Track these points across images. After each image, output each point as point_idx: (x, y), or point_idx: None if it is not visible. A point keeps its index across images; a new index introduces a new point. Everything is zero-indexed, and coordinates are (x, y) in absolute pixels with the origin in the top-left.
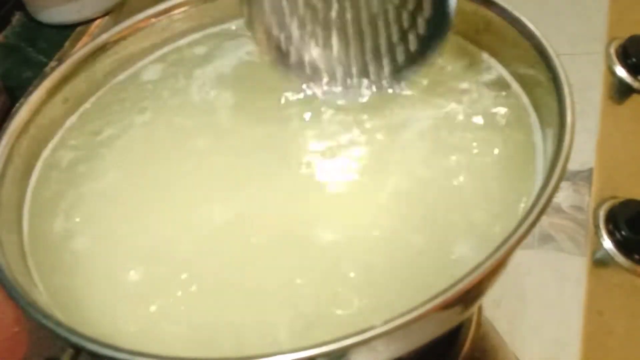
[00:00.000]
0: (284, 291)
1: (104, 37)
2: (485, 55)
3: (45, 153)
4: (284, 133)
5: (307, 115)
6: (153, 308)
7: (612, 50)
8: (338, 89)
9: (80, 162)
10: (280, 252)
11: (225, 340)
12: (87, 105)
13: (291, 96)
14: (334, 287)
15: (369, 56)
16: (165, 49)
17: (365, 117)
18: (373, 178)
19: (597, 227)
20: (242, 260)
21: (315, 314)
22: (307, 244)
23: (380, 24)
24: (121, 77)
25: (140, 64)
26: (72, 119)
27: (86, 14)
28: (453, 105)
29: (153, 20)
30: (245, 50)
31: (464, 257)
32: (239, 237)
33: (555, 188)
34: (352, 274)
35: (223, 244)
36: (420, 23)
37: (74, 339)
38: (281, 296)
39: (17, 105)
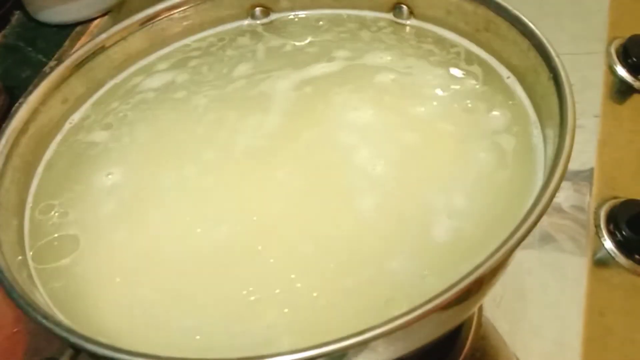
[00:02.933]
0: None
1: (103, 36)
2: (485, 55)
3: (46, 153)
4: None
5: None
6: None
7: (613, 50)
8: None
9: (81, 162)
10: None
11: None
12: (86, 105)
13: None
14: None
15: None
16: (165, 50)
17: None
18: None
19: (597, 227)
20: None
21: None
22: None
23: None
24: (121, 77)
25: (139, 64)
26: (72, 119)
27: (85, 13)
28: (452, 105)
29: (152, 20)
30: (246, 51)
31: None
32: None
33: (556, 188)
34: None
35: None
36: None
37: (73, 339)
38: None
39: (17, 105)
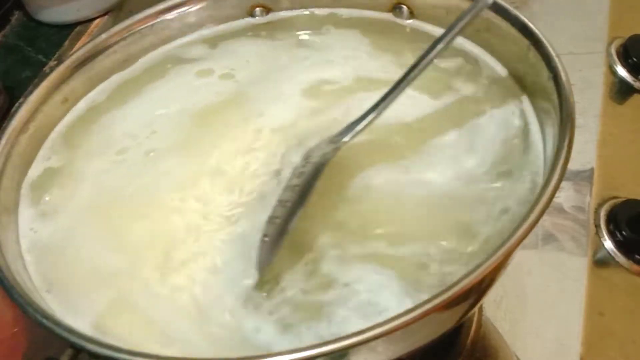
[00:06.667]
0: None
1: (103, 36)
2: (485, 55)
3: (45, 153)
4: None
5: None
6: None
7: (613, 50)
8: None
9: (80, 162)
10: None
11: None
12: (86, 105)
13: None
14: None
15: None
16: (165, 49)
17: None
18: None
19: (597, 227)
20: None
21: None
22: None
23: None
24: (120, 77)
25: (139, 64)
26: (72, 119)
27: (85, 13)
28: (453, 105)
29: (152, 20)
30: (245, 51)
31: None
32: None
33: (556, 188)
34: None
35: None
36: None
37: (73, 338)
38: None
39: (17, 104)
